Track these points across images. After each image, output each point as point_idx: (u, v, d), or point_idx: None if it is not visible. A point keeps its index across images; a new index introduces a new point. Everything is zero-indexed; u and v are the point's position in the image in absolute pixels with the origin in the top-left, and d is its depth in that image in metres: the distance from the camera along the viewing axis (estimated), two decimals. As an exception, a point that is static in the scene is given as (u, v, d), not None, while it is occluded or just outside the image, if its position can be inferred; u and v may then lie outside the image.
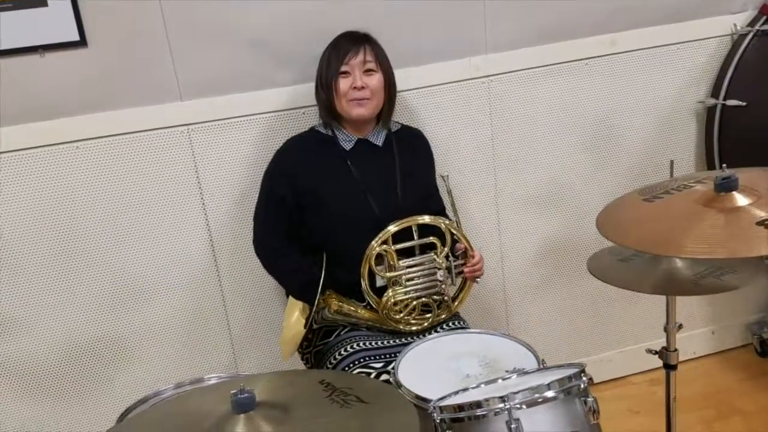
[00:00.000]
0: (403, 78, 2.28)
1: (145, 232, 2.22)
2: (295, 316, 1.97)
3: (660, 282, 1.67)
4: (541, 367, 1.67)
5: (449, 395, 1.48)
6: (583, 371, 1.40)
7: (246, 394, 1.22)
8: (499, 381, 1.50)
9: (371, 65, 2.03)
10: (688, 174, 1.66)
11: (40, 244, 2.15)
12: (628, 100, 2.53)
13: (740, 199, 1.47)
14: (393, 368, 1.78)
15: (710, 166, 2.55)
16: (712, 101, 2.49)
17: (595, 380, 2.21)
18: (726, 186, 1.48)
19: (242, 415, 1.21)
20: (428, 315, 2.02)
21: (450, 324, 2.05)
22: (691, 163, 2.63)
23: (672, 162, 1.88)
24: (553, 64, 2.43)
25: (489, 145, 2.45)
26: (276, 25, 2.15)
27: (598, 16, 2.43)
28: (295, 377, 1.44)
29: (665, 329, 1.77)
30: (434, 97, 2.35)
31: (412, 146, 2.18)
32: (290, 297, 2.05)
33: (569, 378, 1.37)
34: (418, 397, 1.62)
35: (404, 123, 2.23)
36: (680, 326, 1.75)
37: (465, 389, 1.50)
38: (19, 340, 2.19)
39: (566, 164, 2.53)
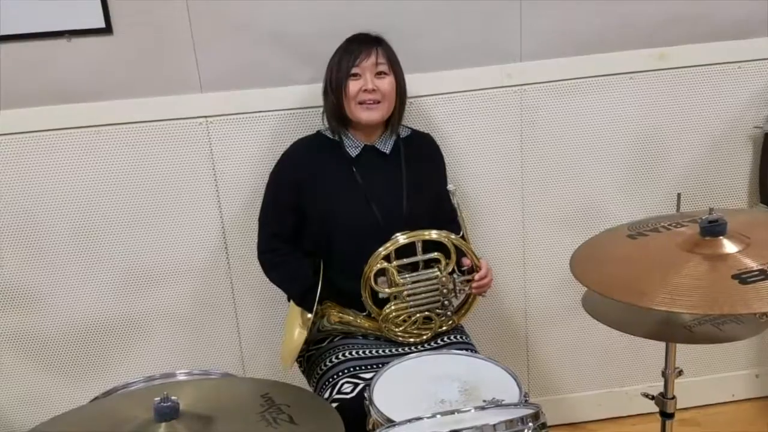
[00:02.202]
0: (429, 82, 2.22)
1: (160, 219, 2.24)
2: (296, 332, 1.94)
3: (656, 325, 1.53)
4: (519, 401, 1.57)
5: (399, 423, 1.41)
6: (537, 414, 1.30)
7: (168, 403, 1.19)
8: (456, 414, 1.42)
9: (383, 68, 1.96)
10: (689, 212, 1.50)
11: (61, 223, 2.21)
12: (675, 119, 2.35)
13: (728, 246, 1.31)
14: (371, 382, 1.72)
15: (763, 199, 2.34)
16: (772, 127, 2.28)
17: (627, 414, 2.04)
18: (712, 230, 1.32)
19: (163, 424, 1.19)
20: (430, 326, 1.96)
21: (449, 338, 1.98)
22: (743, 193, 2.43)
23: (679, 195, 1.71)
24: (594, 77, 2.29)
25: (518, 157, 2.33)
26: (298, 22, 2.12)
27: (646, 28, 2.26)
28: (239, 386, 1.41)
29: (663, 374, 1.62)
30: (462, 103, 2.26)
31: (422, 153, 2.10)
32: (290, 307, 2.02)
33: (520, 420, 1.28)
34: (384, 417, 1.57)
35: (415, 128, 2.16)
36: (680, 372, 1.60)
37: (419, 418, 1.42)
38: (39, 315, 2.27)
39: (601, 183, 2.38)
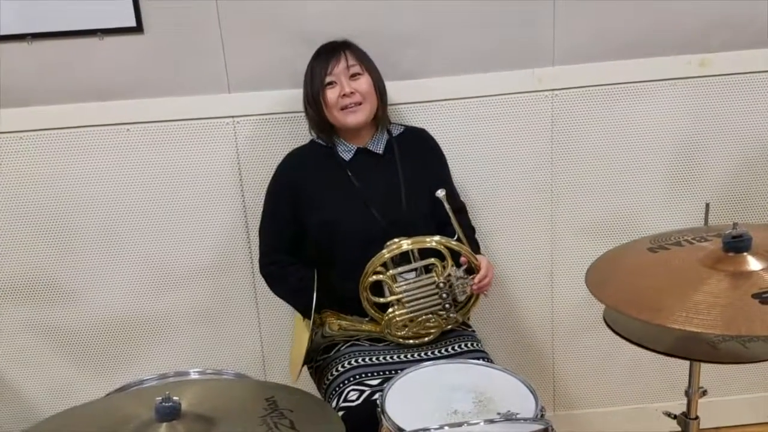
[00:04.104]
0: (457, 84, 2.19)
1: (186, 217, 2.26)
2: (305, 345, 1.92)
3: (679, 341, 1.46)
4: (535, 415, 1.53)
5: (407, 432, 1.39)
6: (546, 431, 1.25)
7: (170, 403, 1.19)
8: (464, 426, 1.38)
9: (356, 69, 1.96)
10: (715, 225, 1.43)
11: (91, 219, 2.25)
12: (715, 128, 2.26)
13: (752, 263, 1.25)
14: (384, 390, 1.70)
15: (807, 213, 2.23)
16: (818, 138, 2.18)
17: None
18: (735, 246, 1.26)
19: (164, 424, 1.19)
20: (432, 328, 1.93)
21: (461, 346, 1.94)
22: (786, 207, 2.32)
23: (708, 205, 1.63)
24: (629, 83, 2.22)
25: (548, 164, 2.28)
26: (327, 23, 2.10)
27: (686, 34, 2.19)
28: (245, 388, 1.40)
29: (686, 393, 1.55)
30: (491, 107, 2.22)
31: (416, 148, 2.08)
32: (296, 319, 2.02)
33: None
34: (395, 426, 1.54)
35: (410, 125, 2.14)
36: (704, 392, 1.53)
37: (426, 429, 1.39)
38: (70, 310, 2.31)
39: (635, 193, 2.31)
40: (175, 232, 2.27)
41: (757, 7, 2.17)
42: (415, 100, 2.19)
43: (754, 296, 1.14)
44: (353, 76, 1.96)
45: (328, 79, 1.95)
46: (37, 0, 2.05)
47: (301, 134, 2.17)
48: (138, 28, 2.10)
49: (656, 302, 1.20)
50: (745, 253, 1.27)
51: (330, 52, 1.98)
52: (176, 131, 2.20)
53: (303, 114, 2.16)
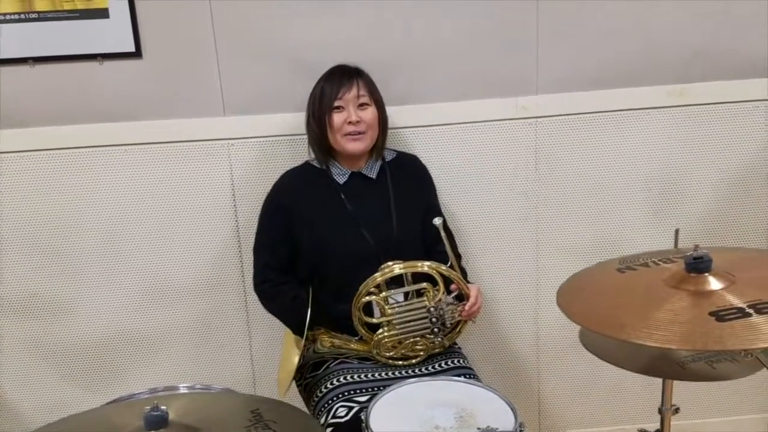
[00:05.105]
0: (442, 112, 2.27)
1: (180, 237, 2.32)
2: (295, 359, 1.96)
3: (651, 361, 1.52)
4: (514, 430, 1.58)
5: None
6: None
7: (158, 412, 1.24)
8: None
9: (365, 99, 2.02)
10: (684, 248, 1.50)
11: (87, 237, 2.30)
12: (694, 157, 2.34)
13: (712, 283, 1.32)
14: (368, 406, 1.74)
15: (783, 239, 2.31)
16: (792, 167, 2.26)
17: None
18: (696, 267, 1.33)
19: (152, 432, 1.24)
20: (420, 350, 1.98)
21: (447, 363, 1.99)
22: (761, 233, 2.39)
23: (677, 231, 1.71)
24: (610, 111, 2.30)
25: (532, 189, 2.35)
26: (319, 51, 2.18)
27: (666, 64, 2.27)
28: (232, 401, 1.45)
29: (660, 411, 1.61)
30: (477, 133, 2.30)
31: (408, 174, 2.15)
32: (286, 335, 2.06)
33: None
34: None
35: (401, 151, 2.21)
36: (677, 410, 1.59)
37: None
38: (64, 325, 2.36)
39: (616, 217, 2.38)
40: (169, 251, 2.33)
41: (732, 40, 2.26)
42: (403, 125, 2.26)
43: (711, 314, 1.20)
44: (361, 106, 2.02)
45: (336, 104, 2.01)
46: (39, 24, 2.13)
47: (295, 157, 2.24)
48: (137, 53, 2.18)
49: (620, 319, 1.26)
50: (706, 274, 1.34)
51: (343, 76, 2.02)
52: (172, 153, 2.26)
53: (296, 138, 2.25)
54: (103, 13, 2.14)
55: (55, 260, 2.31)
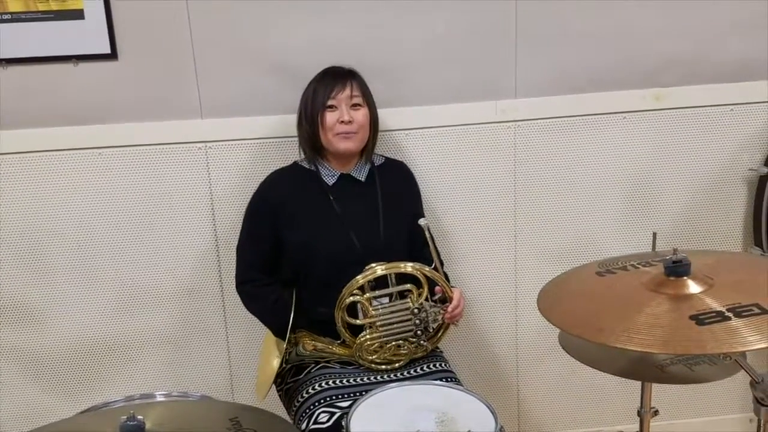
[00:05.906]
0: (422, 115, 2.26)
1: (156, 241, 2.29)
2: (274, 362, 1.95)
3: (630, 364, 1.53)
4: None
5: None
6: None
7: (134, 422, 1.22)
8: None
9: (358, 100, 2.03)
10: (662, 251, 1.51)
11: (60, 242, 2.26)
12: (669, 160, 2.37)
13: (691, 286, 1.32)
14: (350, 411, 1.73)
15: (757, 242, 2.34)
16: (766, 170, 2.29)
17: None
18: (675, 271, 1.34)
19: (128, 443, 1.22)
20: (403, 354, 1.98)
21: (429, 366, 1.99)
22: (738, 236, 2.42)
23: (655, 234, 1.72)
24: (587, 115, 2.32)
25: (511, 192, 2.36)
26: (299, 54, 2.17)
27: (642, 69, 2.30)
28: (211, 409, 1.43)
29: (638, 413, 1.62)
30: (456, 137, 2.30)
31: (396, 179, 2.15)
32: (266, 336, 2.05)
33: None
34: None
35: (390, 157, 2.21)
36: (656, 412, 1.60)
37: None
38: (37, 332, 2.32)
39: (594, 221, 2.40)
40: (145, 255, 2.29)
41: (703, 48, 2.30)
42: (383, 128, 2.24)
43: (691, 318, 1.21)
44: (354, 106, 2.02)
45: (330, 103, 2.00)
46: (12, 25, 2.09)
47: (276, 160, 2.21)
48: (113, 55, 2.15)
49: (599, 323, 1.27)
50: (685, 278, 1.35)
51: (337, 77, 2.03)
52: (148, 155, 2.23)
53: (275, 140, 2.24)
54: (78, 14, 2.11)
55: (28, 266, 2.26)
